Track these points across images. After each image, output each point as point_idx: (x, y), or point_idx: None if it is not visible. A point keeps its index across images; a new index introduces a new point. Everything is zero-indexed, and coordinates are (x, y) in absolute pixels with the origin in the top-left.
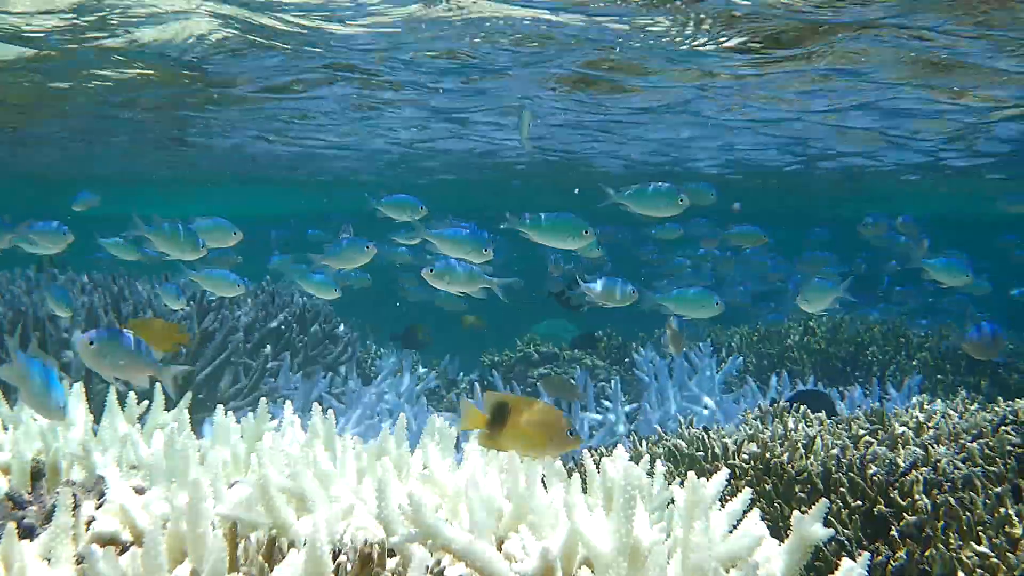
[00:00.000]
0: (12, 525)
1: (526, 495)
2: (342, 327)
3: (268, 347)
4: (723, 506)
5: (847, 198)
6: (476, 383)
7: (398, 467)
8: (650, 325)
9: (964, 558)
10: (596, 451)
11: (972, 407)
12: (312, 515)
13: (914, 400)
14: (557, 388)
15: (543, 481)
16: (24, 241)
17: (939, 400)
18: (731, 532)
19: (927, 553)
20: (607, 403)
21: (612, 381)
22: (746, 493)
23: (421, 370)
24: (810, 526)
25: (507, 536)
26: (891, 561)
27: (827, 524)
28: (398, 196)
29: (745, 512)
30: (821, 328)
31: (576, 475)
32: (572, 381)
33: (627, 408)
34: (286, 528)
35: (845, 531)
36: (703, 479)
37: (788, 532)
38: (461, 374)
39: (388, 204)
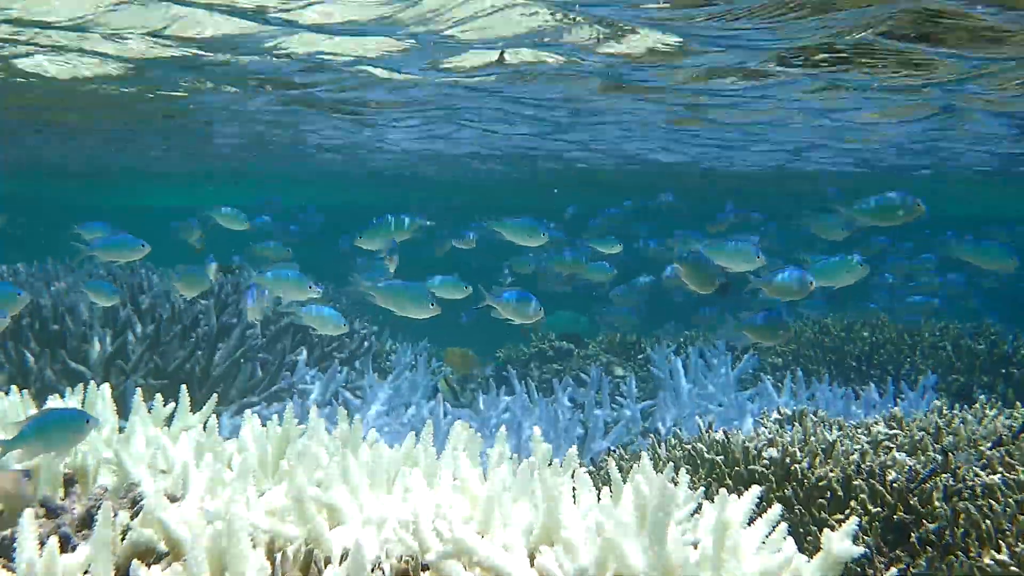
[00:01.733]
0: (55, 540)
1: (556, 508)
2: (358, 322)
3: (286, 341)
4: (751, 520)
5: None
6: (491, 379)
7: (428, 476)
8: (664, 320)
9: (984, 566)
10: (614, 453)
11: (991, 412)
12: (347, 527)
13: (933, 404)
14: (456, 360)
15: (572, 491)
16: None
17: (955, 401)
18: (761, 546)
19: (947, 560)
20: (622, 400)
21: (627, 378)
22: (775, 509)
23: (436, 364)
24: (841, 543)
25: (538, 550)
26: (911, 568)
27: None
28: (520, 220)
29: (773, 527)
30: (836, 326)
31: (605, 488)
32: (471, 354)
33: (642, 405)
34: (321, 541)
35: (866, 538)
36: (733, 495)
37: (809, 538)
38: (476, 370)
39: (509, 227)
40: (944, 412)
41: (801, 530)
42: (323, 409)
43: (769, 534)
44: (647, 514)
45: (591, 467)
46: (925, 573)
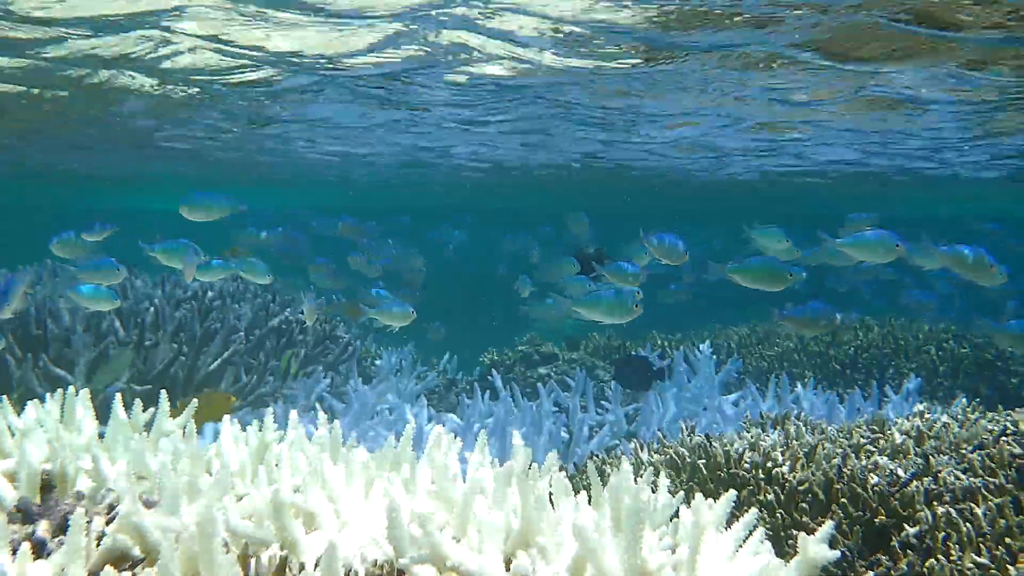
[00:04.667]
0: (27, 546)
1: (534, 513)
2: (342, 327)
3: (269, 346)
4: (729, 524)
5: None
6: (476, 383)
7: (405, 481)
8: (649, 327)
9: (965, 570)
10: (596, 457)
11: (973, 416)
12: (323, 532)
13: (915, 408)
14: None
15: (550, 497)
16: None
17: (940, 408)
18: (737, 551)
19: (928, 564)
20: (607, 404)
21: (612, 382)
22: (752, 514)
23: (420, 369)
24: (816, 547)
25: (515, 555)
26: (892, 572)
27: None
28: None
29: (750, 531)
30: None
31: (583, 493)
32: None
33: (626, 409)
34: (296, 547)
35: (847, 542)
36: (709, 500)
37: (790, 542)
38: (460, 374)
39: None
40: (926, 416)
41: (783, 534)
42: (307, 414)
43: (746, 538)
44: (623, 519)
45: (574, 471)
46: None
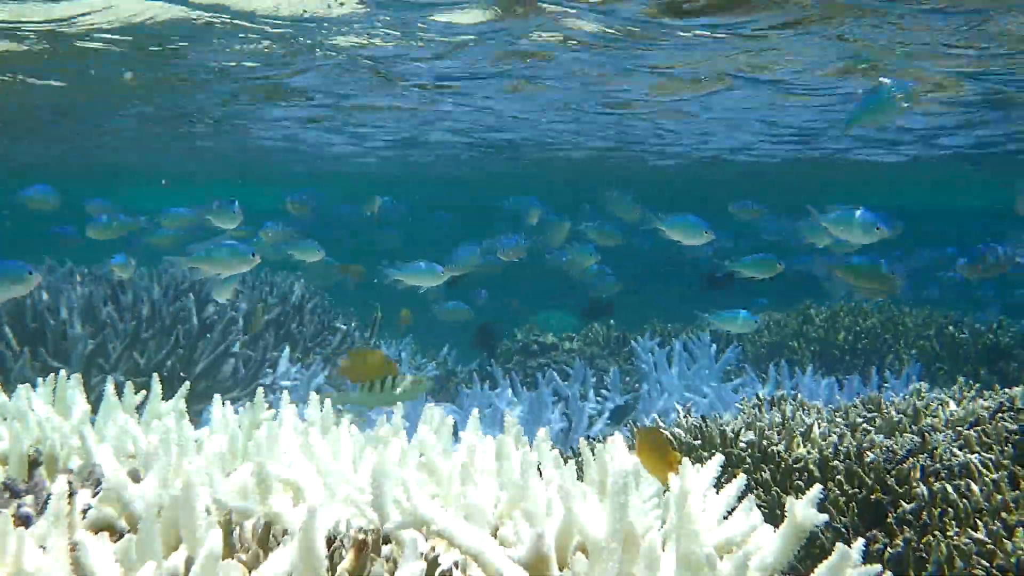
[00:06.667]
0: (8, 512)
1: (521, 482)
2: (340, 318)
3: (268, 338)
4: (719, 493)
5: None
6: (475, 373)
7: (395, 455)
8: (647, 315)
9: (961, 545)
10: (592, 440)
11: (969, 394)
12: (308, 503)
13: (911, 387)
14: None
15: (539, 468)
16: None
17: (937, 388)
18: (726, 518)
19: (924, 540)
20: (606, 393)
21: (611, 370)
22: (740, 479)
23: (420, 361)
24: (804, 511)
25: (502, 522)
26: (888, 548)
27: (824, 512)
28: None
29: (740, 498)
30: (819, 317)
31: (572, 462)
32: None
33: (626, 397)
34: (280, 516)
35: (843, 519)
36: (697, 465)
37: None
38: (460, 365)
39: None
40: (923, 394)
41: (778, 512)
42: (305, 405)
43: (736, 505)
44: (608, 482)
45: (571, 456)
46: (903, 553)
